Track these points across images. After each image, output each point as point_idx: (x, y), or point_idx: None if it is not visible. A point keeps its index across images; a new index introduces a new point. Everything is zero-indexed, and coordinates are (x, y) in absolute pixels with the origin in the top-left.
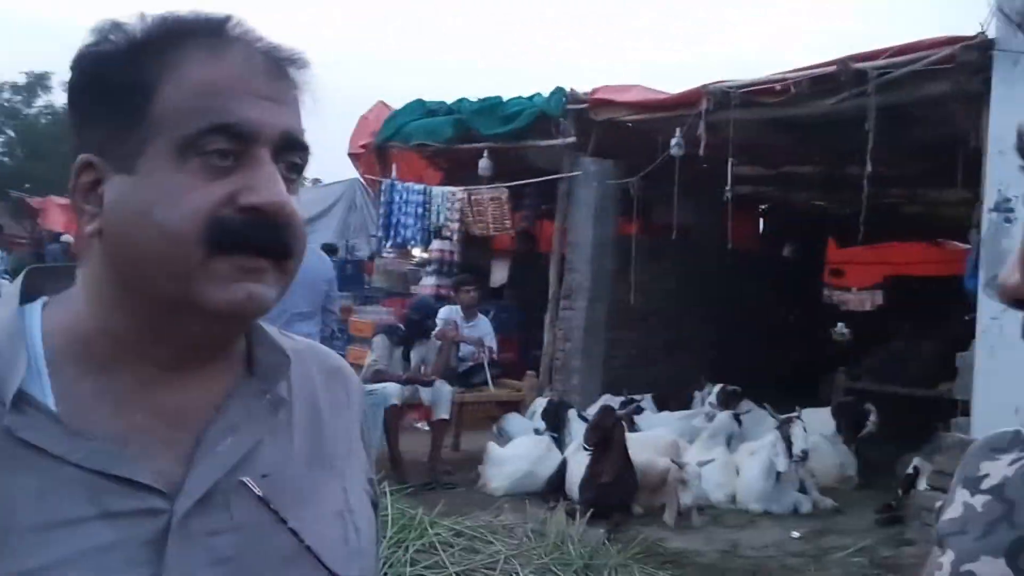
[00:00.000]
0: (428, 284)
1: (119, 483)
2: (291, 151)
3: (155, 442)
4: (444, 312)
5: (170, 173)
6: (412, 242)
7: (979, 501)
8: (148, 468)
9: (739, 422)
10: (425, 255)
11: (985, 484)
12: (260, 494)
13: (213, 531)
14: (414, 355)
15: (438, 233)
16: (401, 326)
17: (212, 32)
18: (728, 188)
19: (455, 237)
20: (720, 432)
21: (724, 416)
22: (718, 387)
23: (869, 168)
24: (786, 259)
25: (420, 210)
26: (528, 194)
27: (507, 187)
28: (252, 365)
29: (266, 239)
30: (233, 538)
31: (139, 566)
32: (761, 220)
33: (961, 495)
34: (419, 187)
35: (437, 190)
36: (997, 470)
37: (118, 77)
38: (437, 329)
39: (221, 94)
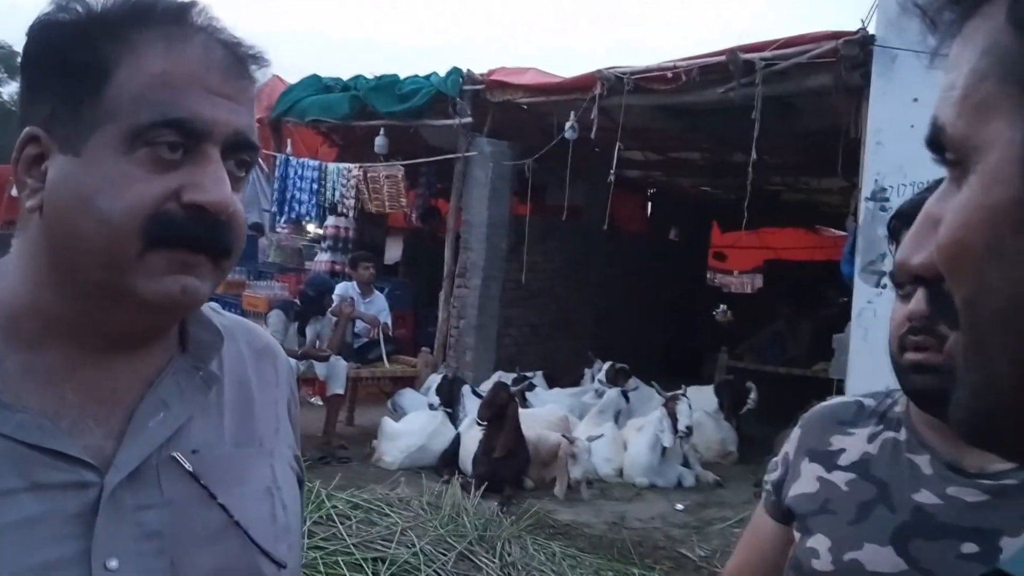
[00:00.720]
0: (323, 260)
1: (49, 456)
2: (241, 150)
3: (85, 418)
4: (340, 288)
5: (116, 161)
6: (307, 218)
7: (841, 479)
8: (78, 442)
9: (627, 399)
10: (320, 231)
11: (843, 460)
12: (191, 470)
13: (143, 506)
14: (309, 330)
15: (333, 209)
16: (297, 301)
17: (175, 19)
18: (613, 171)
19: (351, 214)
20: (609, 408)
21: (613, 393)
22: (607, 365)
23: (754, 156)
24: (672, 242)
25: (315, 186)
26: (424, 173)
27: (403, 165)
28: (185, 342)
29: (207, 237)
30: (163, 513)
31: (68, 539)
32: (649, 203)
33: (811, 469)
34: (314, 163)
35: (332, 166)
36: (854, 445)
37: (73, 53)
38: (334, 305)
39: (177, 87)
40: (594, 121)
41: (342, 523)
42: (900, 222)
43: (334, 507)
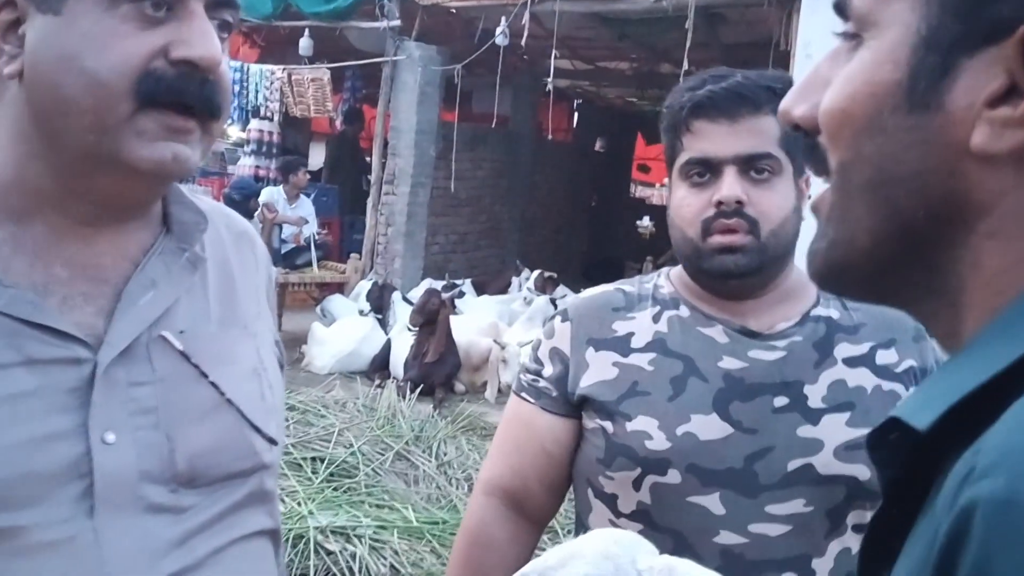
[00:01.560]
0: (246, 164)
1: (42, 331)
2: (224, 7)
3: (75, 294)
4: (266, 194)
5: (99, 17)
6: (228, 121)
7: (642, 360)
8: (70, 319)
9: (555, 306)
10: (243, 135)
11: (636, 342)
12: (180, 348)
13: (136, 382)
14: None
15: (256, 112)
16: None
17: None
18: (550, 80)
19: (275, 117)
20: (537, 315)
21: (541, 300)
22: (535, 273)
23: (686, 66)
24: (598, 152)
25: (236, 88)
26: (350, 77)
27: (329, 68)
28: (169, 223)
29: (198, 96)
30: (156, 389)
31: (63, 412)
32: (575, 113)
33: (602, 357)
34: (235, 64)
35: (255, 68)
36: (641, 327)
37: None
38: (258, 211)
39: None
40: (525, 27)
41: None
42: (692, 114)
43: None
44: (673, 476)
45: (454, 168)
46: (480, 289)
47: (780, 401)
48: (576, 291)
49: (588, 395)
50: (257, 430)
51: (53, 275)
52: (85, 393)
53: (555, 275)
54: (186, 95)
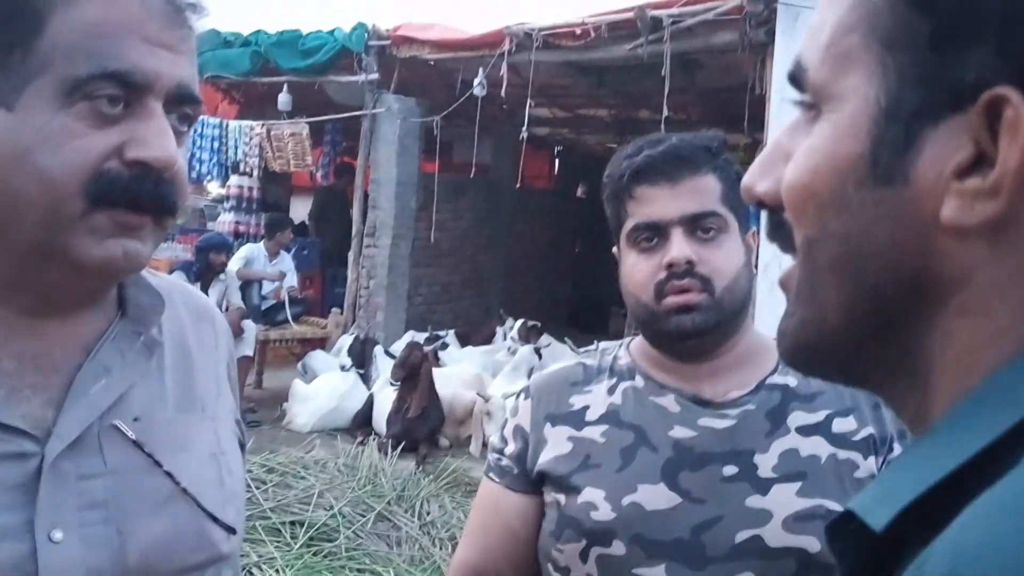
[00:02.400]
0: (226, 220)
1: None
2: (184, 103)
3: (23, 386)
4: (247, 250)
5: (53, 115)
6: (208, 177)
7: (595, 432)
8: (16, 411)
9: (539, 356)
10: (223, 191)
11: (591, 416)
12: (133, 437)
13: (86, 475)
14: (212, 292)
15: (236, 168)
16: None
17: None
18: (525, 129)
19: (254, 173)
20: (522, 365)
21: (525, 350)
22: (519, 322)
23: (666, 112)
24: (579, 199)
25: (216, 144)
26: (329, 131)
27: (307, 123)
28: (125, 306)
29: (152, 196)
30: (107, 482)
31: (10, 510)
32: (556, 161)
33: (559, 432)
34: (215, 121)
35: (234, 124)
36: (596, 401)
37: (3, 1)
38: (238, 268)
39: (116, 36)
40: (503, 78)
41: (257, 487)
42: (633, 181)
43: (248, 471)
44: (618, 547)
45: (435, 219)
46: (464, 340)
47: (729, 470)
48: (561, 339)
49: (545, 470)
50: (214, 519)
51: (0, 369)
52: (31, 489)
53: (539, 324)
54: (140, 196)
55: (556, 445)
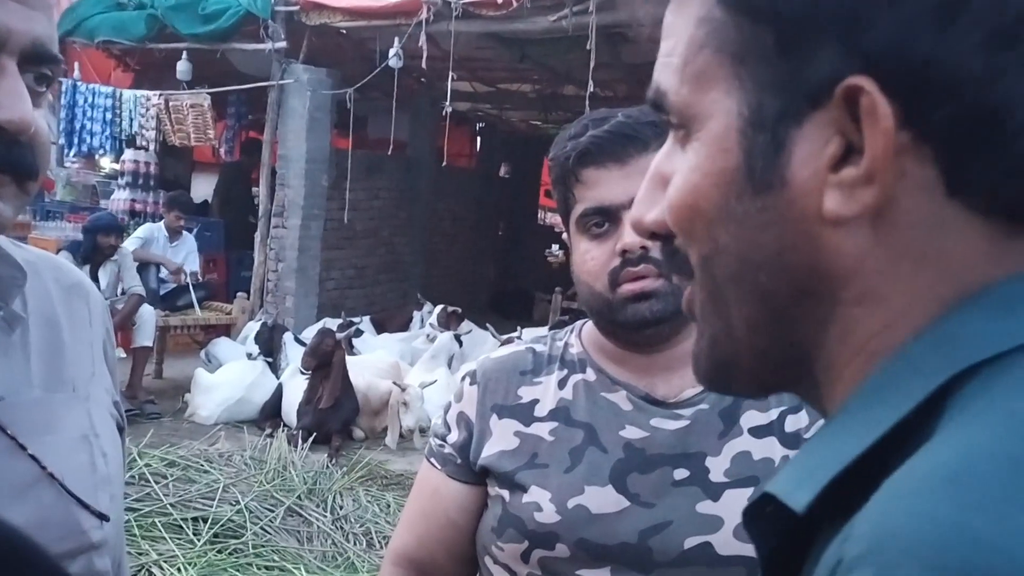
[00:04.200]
0: (121, 198)
1: None
2: (41, 62)
3: None
4: (145, 230)
5: None
6: (100, 151)
7: (543, 429)
8: None
9: (460, 343)
10: (116, 166)
11: (539, 411)
12: None
13: None
14: (102, 275)
15: (131, 142)
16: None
17: None
18: (448, 104)
19: (151, 147)
20: (441, 353)
21: (445, 337)
22: (439, 308)
23: (592, 87)
24: (503, 178)
25: (109, 115)
26: (233, 102)
27: (209, 93)
28: None
29: (9, 159)
30: None
31: None
32: (478, 138)
33: (505, 425)
34: (107, 90)
35: (128, 94)
36: (545, 394)
37: None
38: (135, 248)
39: None
40: (422, 49)
41: (157, 482)
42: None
43: (147, 465)
44: (561, 550)
45: (348, 198)
46: (380, 327)
47: (680, 473)
48: (483, 325)
49: (488, 465)
50: (84, 505)
51: None
52: None
53: (459, 309)
54: None
55: (502, 439)
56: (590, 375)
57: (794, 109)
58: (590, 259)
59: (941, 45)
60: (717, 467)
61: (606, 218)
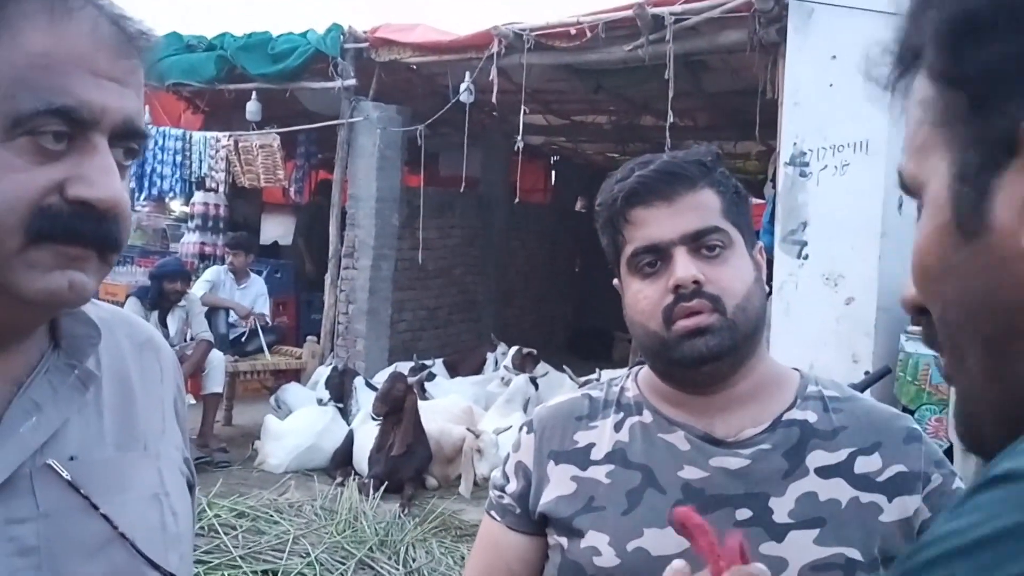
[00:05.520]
0: (191, 241)
1: None
2: (130, 138)
3: None
4: (212, 273)
5: None
6: (170, 194)
7: (600, 473)
8: None
9: (536, 386)
10: (186, 209)
11: (596, 454)
12: (68, 478)
13: (16, 519)
14: (171, 321)
15: (201, 184)
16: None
17: None
18: (520, 137)
19: (221, 189)
20: (516, 397)
21: (520, 380)
22: (513, 349)
23: (671, 118)
24: (579, 213)
25: (179, 158)
26: (303, 142)
27: (279, 133)
28: (57, 337)
29: (94, 234)
30: (39, 526)
31: None
32: (552, 172)
33: (562, 471)
34: (177, 132)
35: (198, 136)
36: (602, 437)
37: None
38: (203, 293)
39: (62, 70)
40: (493, 83)
41: (226, 533)
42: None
43: (216, 516)
44: None
45: (420, 237)
46: (453, 369)
47: (743, 514)
48: (560, 367)
49: (547, 512)
50: (154, 566)
51: None
52: None
53: (535, 351)
54: (81, 233)
55: (559, 485)
56: (647, 417)
57: (992, 160)
58: (643, 298)
59: None
60: (781, 508)
61: (657, 256)
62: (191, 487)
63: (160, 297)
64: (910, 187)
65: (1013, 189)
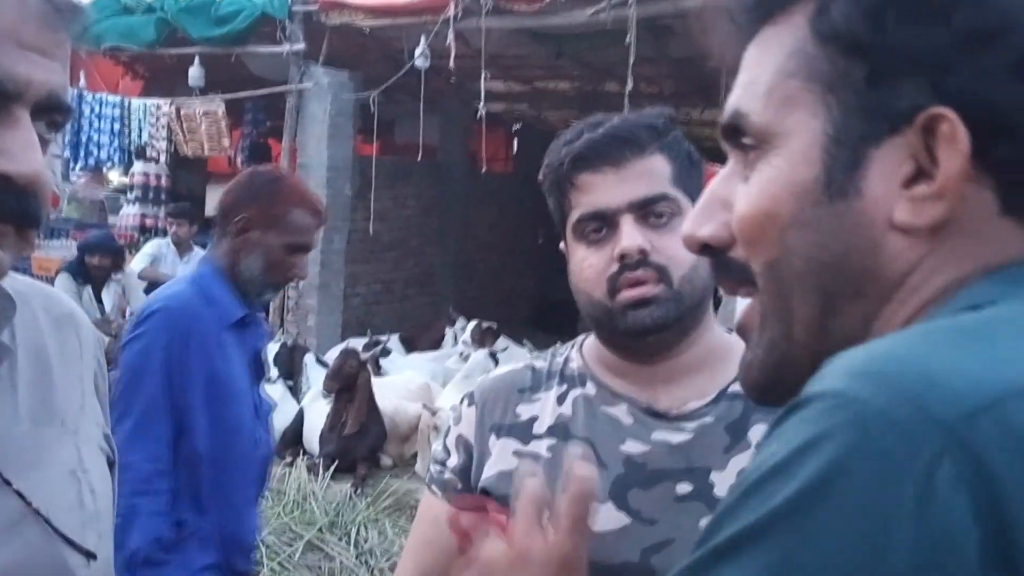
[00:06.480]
0: (131, 213)
1: None
2: (54, 111)
3: None
4: (152, 246)
5: None
6: (108, 164)
7: (541, 447)
8: None
9: (496, 361)
10: (125, 180)
11: (538, 428)
12: None
13: None
14: (106, 297)
15: (141, 154)
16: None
17: None
18: (482, 104)
19: (162, 159)
20: (475, 373)
21: (479, 355)
22: (472, 324)
23: (631, 84)
24: (542, 183)
25: (117, 126)
26: (249, 109)
27: (224, 100)
28: None
29: (12, 209)
30: None
31: None
32: (514, 140)
33: (504, 444)
34: (115, 99)
35: (137, 102)
36: (544, 410)
37: None
38: (143, 267)
39: None
40: (450, 47)
41: None
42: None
43: None
44: None
45: (374, 207)
46: (409, 345)
47: (683, 488)
48: (520, 342)
49: (488, 487)
50: (71, 544)
51: None
52: None
53: (495, 325)
54: (1, 208)
55: (501, 459)
56: (590, 389)
57: (875, 132)
58: (587, 266)
59: (1011, 94)
60: (722, 482)
61: (603, 223)
62: (111, 464)
63: (86, 271)
64: (754, 133)
65: (889, 163)
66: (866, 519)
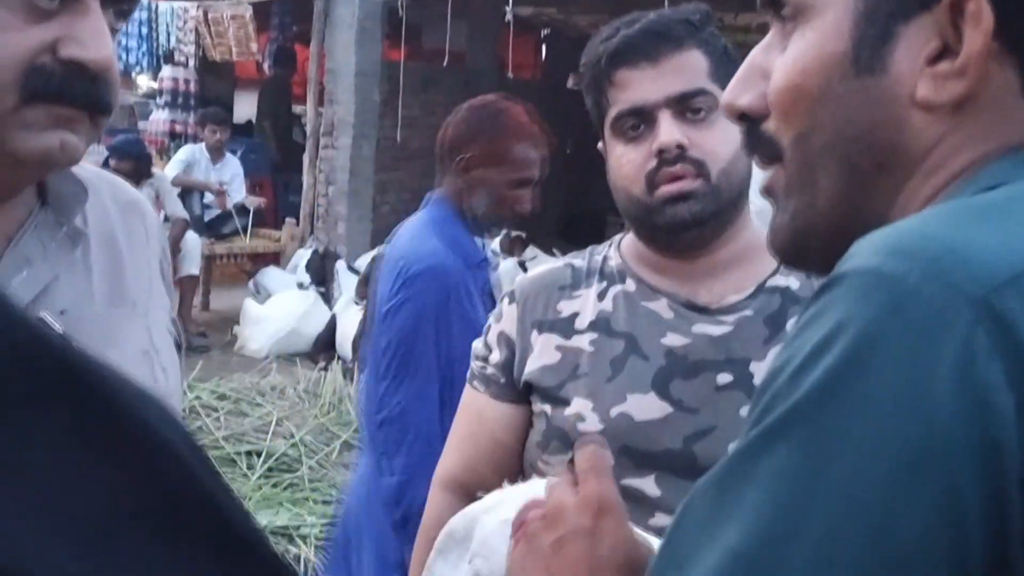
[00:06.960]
0: (160, 119)
1: None
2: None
3: None
4: (186, 153)
5: None
6: (136, 68)
7: (583, 341)
8: None
9: (524, 270)
10: (154, 84)
11: (580, 323)
12: (61, 331)
13: None
14: None
15: (169, 58)
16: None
17: None
18: (509, 8)
19: (190, 63)
20: (504, 280)
21: (508, 264)
22: (501, 233)
23: None
24: (571, 91)
25: (145, 30)
26: (277, 12)
27: (251, 3)
28: (45, 196)
29: (86, 95)
30: None
31: None
32: (543, 46)
33: (546, 339)
34: (143, 2)
35: (165, 6)
36: (585, 306)
37: None
38: (176, 173)
39: None
40: None
41: (208, 415)
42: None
43: (197, 398)
44: None
45: (402, 114)
46: None
47: (724, 378)
48: (550, 251)
49: (532, 381)
50: None
51: None
52: None
53: (523, 234)
54: (74, 94)
55: (543, 354)
56: (630, 285)
57: (905, 8)
58: (626, 162)
59: None
60: (761, 372)
61: (641, 119)
62: (178, 347)
63: (135, 174)
64: (790, 4)
65: (915, 42)
66: (908, 384)
